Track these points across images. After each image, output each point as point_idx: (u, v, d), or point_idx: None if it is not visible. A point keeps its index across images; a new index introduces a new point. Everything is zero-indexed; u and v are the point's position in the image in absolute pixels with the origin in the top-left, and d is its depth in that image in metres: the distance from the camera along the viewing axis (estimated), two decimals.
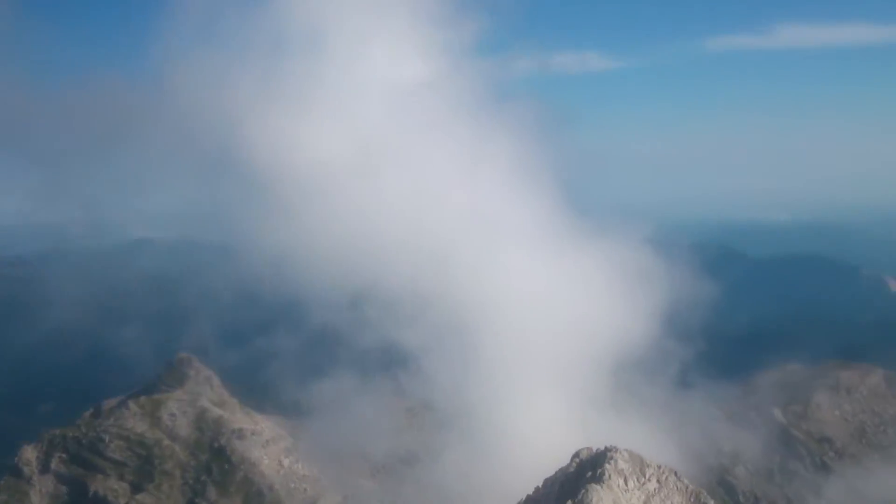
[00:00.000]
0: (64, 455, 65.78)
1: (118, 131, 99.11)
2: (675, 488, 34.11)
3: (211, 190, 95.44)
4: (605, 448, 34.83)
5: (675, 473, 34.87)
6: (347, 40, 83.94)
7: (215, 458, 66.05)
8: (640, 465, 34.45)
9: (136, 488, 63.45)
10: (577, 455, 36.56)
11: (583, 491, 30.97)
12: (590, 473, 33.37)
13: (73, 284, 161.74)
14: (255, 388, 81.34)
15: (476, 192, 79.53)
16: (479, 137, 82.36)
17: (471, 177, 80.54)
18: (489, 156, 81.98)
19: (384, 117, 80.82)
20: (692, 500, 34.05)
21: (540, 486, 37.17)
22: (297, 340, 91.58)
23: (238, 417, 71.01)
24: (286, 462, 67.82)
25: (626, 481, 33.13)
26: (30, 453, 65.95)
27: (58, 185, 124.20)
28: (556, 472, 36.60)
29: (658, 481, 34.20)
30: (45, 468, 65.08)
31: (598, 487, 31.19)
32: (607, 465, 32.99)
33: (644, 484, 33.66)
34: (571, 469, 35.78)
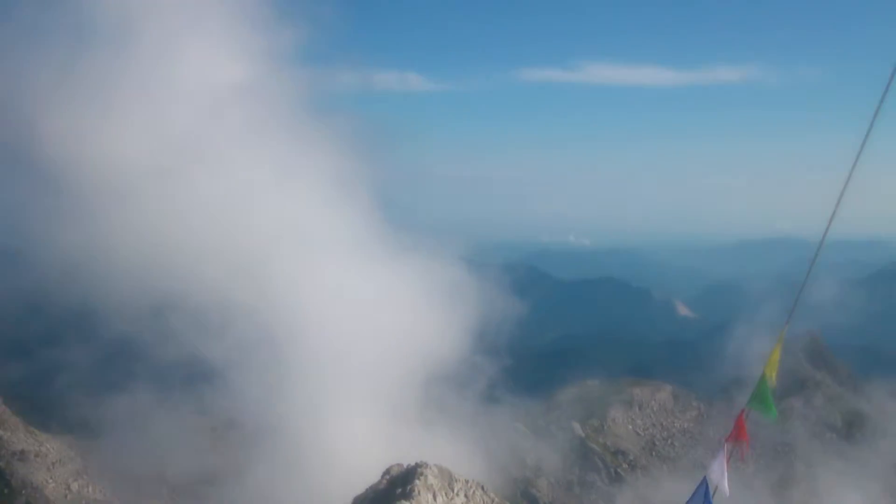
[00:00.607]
0: None
1: None
2: (482, 501, 34.70)
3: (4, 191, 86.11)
4: (416, 464, 34.84)
5: (483, 487, 35.52)
6: (159, 36, 79.28)
7: None
8: (448, 479, 34.76)
9: None
10: (387, 472, 36.37)
11: None
12: (399, 490, 33.25)
13: None
14: (41, 405, 73.82)
15: (291, 202, 77.85)
16: (297, 147, 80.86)
17: (286, 187, 78.76)
18: (307, 167, 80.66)
19: (196, 120, 77.21)
20: None
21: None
22: (90, 353, 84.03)
23: (20, 438, 63.93)
24: (75, 486, 61.90)
25: (434, 496, 33.30)
26: None
27: None
28: (367, 490, 36.15)
29: (465, 495, 34.68)
30: None
31: None
32: (417, 481, 33.00)
33: (452, 499, 33.99)
34: (382, 486, 35.49)
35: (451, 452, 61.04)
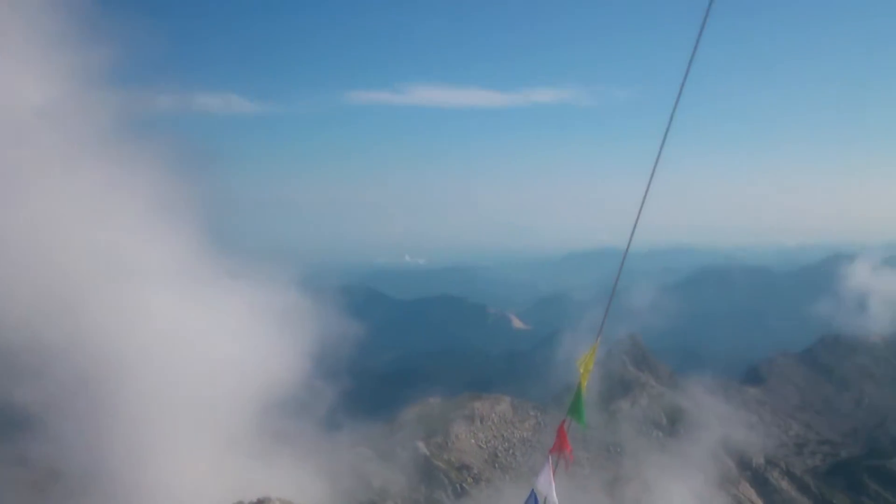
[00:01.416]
0: None
1: None
2: None
3: None
4: (258, 500, 33.66)
5: None
6: None
7: None
8: None
9: None
10: None
11: None
12: None
13: None
14: None
15: (109, 231, 72.90)
16: (112, 173, 76.00)
17: (103, 215, 73.72)
18: (123, 193, 75.97)
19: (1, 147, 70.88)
20: None
21: None
22: None
23: None
24: None
25: None
26: None
27: None
28: None
29: None
30: None
31: None
32: None
33: None
34: None
35: (294, 482, 59.67)
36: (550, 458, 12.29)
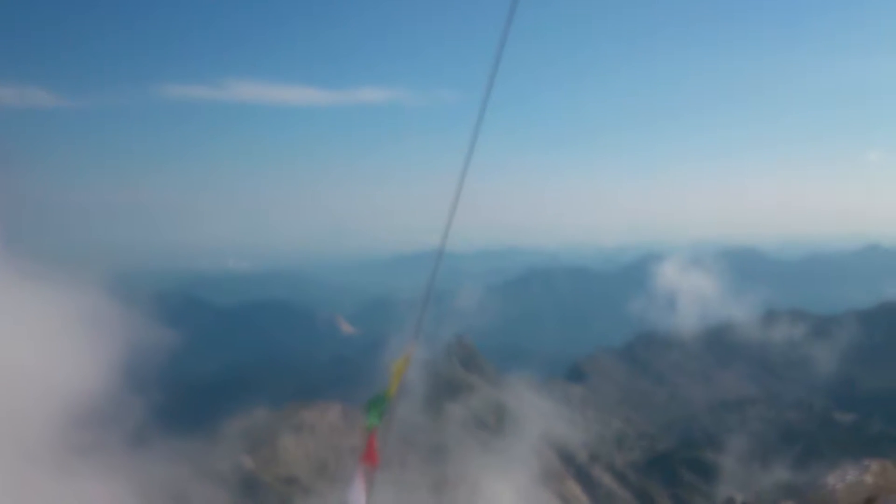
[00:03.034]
0: None
1: None
2: None
3: None
4: None
5: None
6: None
7: None
8: None
9: None
10: None
11: None
12: None
13: None
14: None
15: None
16: None
17: None
18: None
19: None
20: None
21: None
22: None
23: None
24: None
25: None
26: None
27: None
28: None
29: None
30: None
31: None
32: None
33: None
34: None
35: (102, 503, 55.99)
36: (360, 468, 11.96)
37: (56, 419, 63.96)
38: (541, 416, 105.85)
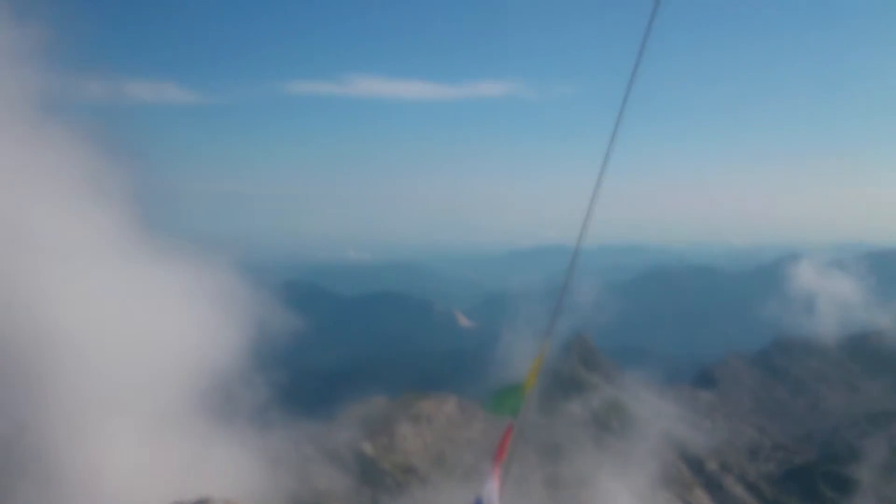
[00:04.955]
0: None
1: None
2: None
3: None
4: (200, 499, 32.96)
5: None
6: None
7: None
8: None
9: None
10: None
11: None
12: None
13: None
14: None
15: (37, 211, 71.41)
16: (40, 157, 74.57)
17: (30, 196, 72.16)
18: (51, 175, 74.56)
19: None
20: None
21: None
22: None
23: None
24: None
25: None
26: None
27: None
28: None
29: None
30: None
31: None
32: None
33: None
34: None
35: (232, 477, 59.21)
36: (495, 464, 12.10)
37: (189, 389, 68.35)
38: (663, 419, 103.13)
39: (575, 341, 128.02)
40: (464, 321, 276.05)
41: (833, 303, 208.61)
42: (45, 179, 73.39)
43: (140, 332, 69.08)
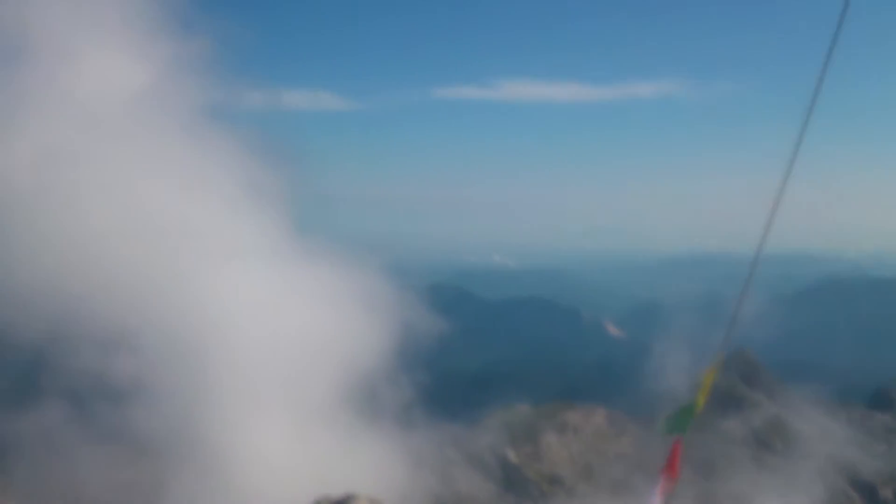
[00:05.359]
0: None
1: None
2: None
3: None
4: (346, 495, 33.72)
5: None
6: (56, 47, 77.67)
7: None
8: None
9: None
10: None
11: None
12: None
13: None
14: None
15: (198, 215, 76.81)
16: (201, 161, 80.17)
17: (191, 197, 77.71)
18: (211, 179, 79.99)
19: (93, 132, 75.45)
20: None
21: None
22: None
23: None
24: None
25: None
26: None
27: None
28: None
29: None
30: None
31: None
32: None
33: None
34: None
35: (376, 474, 60.89)
36: (661, 478, 11.52)
37: (336, 387, 71.06)
38: (831, 440, 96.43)
39: (735, 356, 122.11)
40: (613, 330, 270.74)
41: None
42: (209, 185, 78.66)
43: (292, 330, 72.39)
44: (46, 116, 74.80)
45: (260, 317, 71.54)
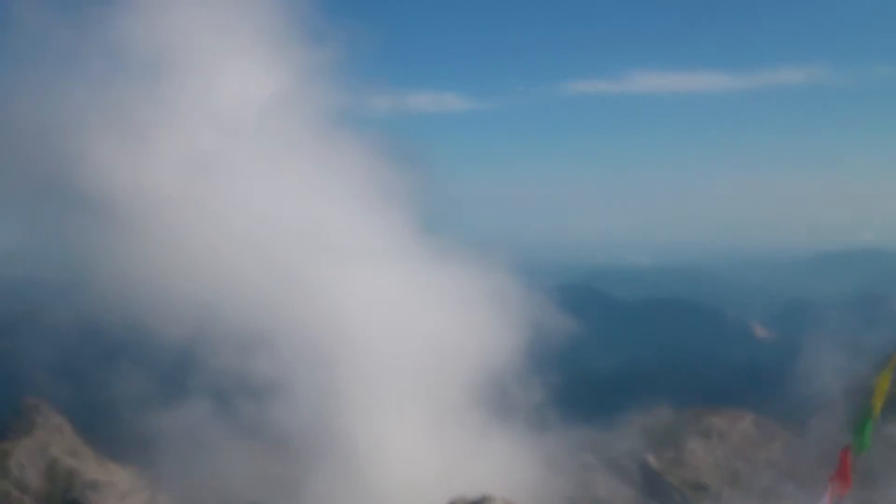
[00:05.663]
0: None
1: None
2: None
3: (50, 224, 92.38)
4: (482, 496, 33.78)
5: None
6: (193, 59, 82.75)
7: None
8: None
9: None
10: None
11: None
12: None
13: None
14: (105, 435, 79.11)
15: (330, 218, 79.88)
16: (333, 167, 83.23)
17: (325, 204, 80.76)
18: (345, 185, 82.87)
19: (230, 140, 79.92)
20: None
21: None
22: (148, 382, 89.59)
23: (92, 467, 69.71)
24: None
25: None
26: None
27: None
28: None
29: None
30: None
31: None
32: None
33: None
34: None
35: (510, 476, 61.04)
36: (830, 488, 10.76)
37: (466, 386, 72.05)
38: None
39: None
40: (760, 332, 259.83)
41: None
42: (340, 188, 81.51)
43: (422, 330, 73.76)
44: (185, 127, 79.78)
45: (390, 317, 73.47)
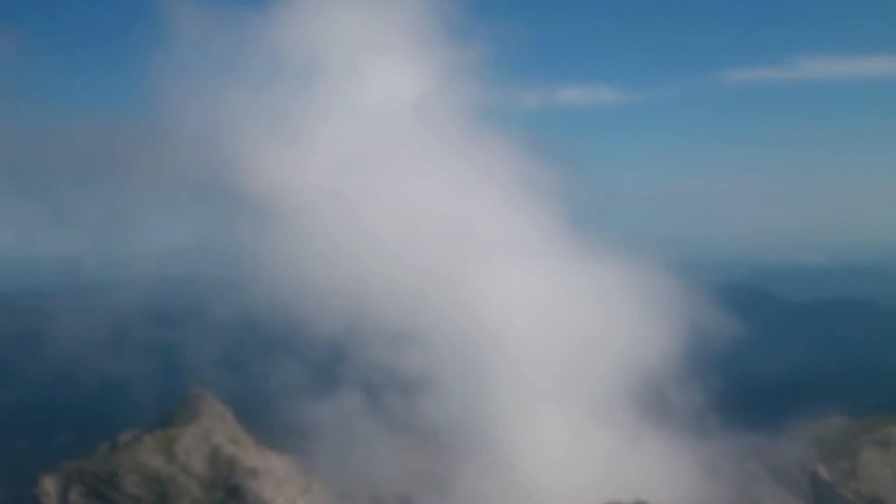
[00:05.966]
0: (82, 488, 68.90)
1: (116, 165, 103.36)
2: None
3: (213, 224, 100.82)
4: (637, 503, 33.09)
5: None
6: (344, 62, 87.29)
7: (230, 497, 68.83)
8: None
9: None
10: None
11: None
12: None
13: (83, 317, 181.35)
14: (263, 424, 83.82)
15: (478, 215, 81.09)
16: (480, 165, 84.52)
17: (473, 202, 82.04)
18: (492, 182, 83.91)
19: (380, 140, 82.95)
20: None
21: None
22: (304, 374, 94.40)
23: (251, 455, 73.51)
24: (301, 502, 70.71)
25: None
26: (49, 485, 68.98)
27: (54, 220, 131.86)
28: None
29: None
30: (64, 500, 68.41)
31: None
32: None
33: None
34: None
35: (663, 482, 59.30)
36: None
37: (619, 386, 71.37)
38: None
39: None
40: None
41: None
42: (488, 185, 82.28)
43: (571, 327, 73.46)
44: (338, 128, 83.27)
45: (539, 314, 73.64)
